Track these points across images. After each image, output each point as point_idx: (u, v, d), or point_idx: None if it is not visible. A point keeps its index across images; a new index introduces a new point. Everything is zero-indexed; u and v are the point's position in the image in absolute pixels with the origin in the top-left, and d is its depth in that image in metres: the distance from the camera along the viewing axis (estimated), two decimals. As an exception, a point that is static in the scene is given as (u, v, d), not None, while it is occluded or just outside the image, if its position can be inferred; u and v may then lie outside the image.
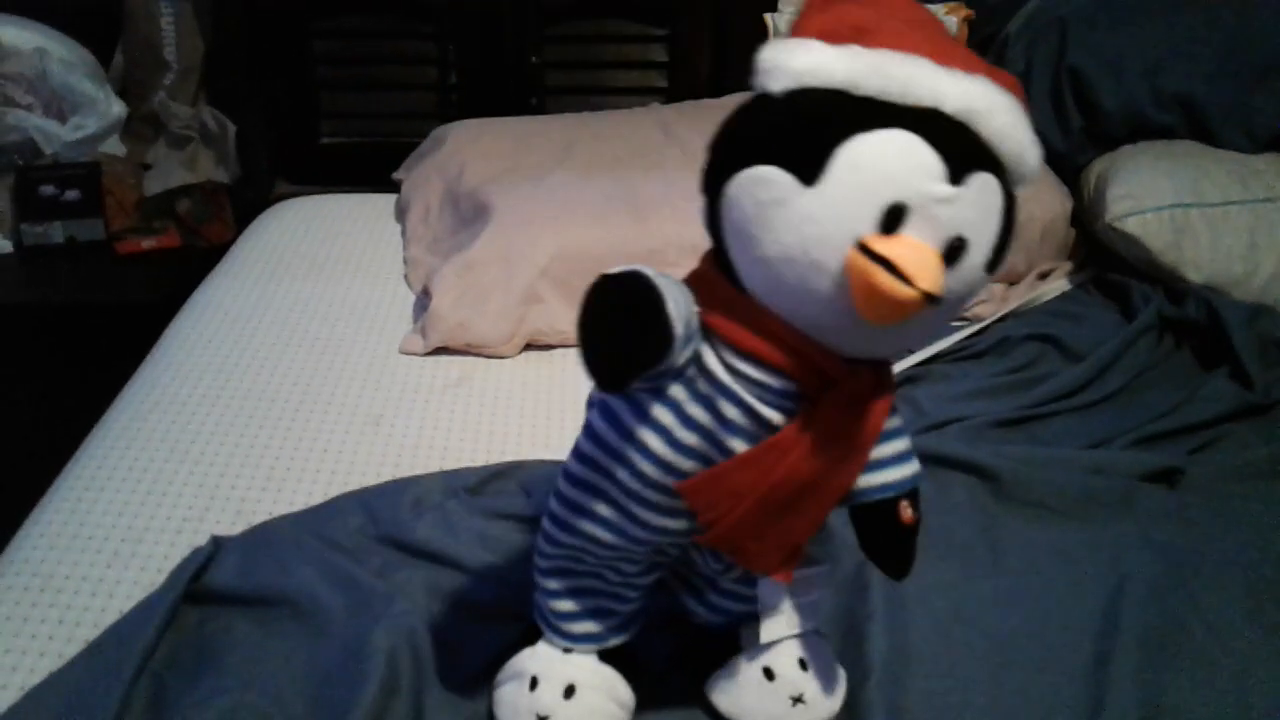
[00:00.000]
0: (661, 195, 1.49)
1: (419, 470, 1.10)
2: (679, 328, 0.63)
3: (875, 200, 0.58)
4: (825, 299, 0.61)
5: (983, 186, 0.61)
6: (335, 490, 1.07)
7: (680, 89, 2.04)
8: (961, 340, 1.37)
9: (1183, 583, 0.96)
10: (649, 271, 0.63)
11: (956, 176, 0.59)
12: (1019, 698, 0.85)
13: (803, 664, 0.81)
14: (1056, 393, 1.24)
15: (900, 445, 0.73)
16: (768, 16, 1.96)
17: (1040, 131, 1.81)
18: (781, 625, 0.80)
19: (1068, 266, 1.57)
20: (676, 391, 0.68)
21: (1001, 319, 1.44)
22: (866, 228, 0.59)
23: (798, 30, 0.64)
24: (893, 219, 0.59)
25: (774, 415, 0.67)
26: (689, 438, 0.69)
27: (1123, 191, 1.48)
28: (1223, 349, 1.31)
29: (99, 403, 1.24)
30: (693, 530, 0.73)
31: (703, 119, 1.77)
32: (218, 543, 0.97)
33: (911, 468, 0.73)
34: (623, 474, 0.71)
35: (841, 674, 0.84)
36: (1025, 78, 1.75)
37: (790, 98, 0.62)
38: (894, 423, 0.73)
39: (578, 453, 0.75)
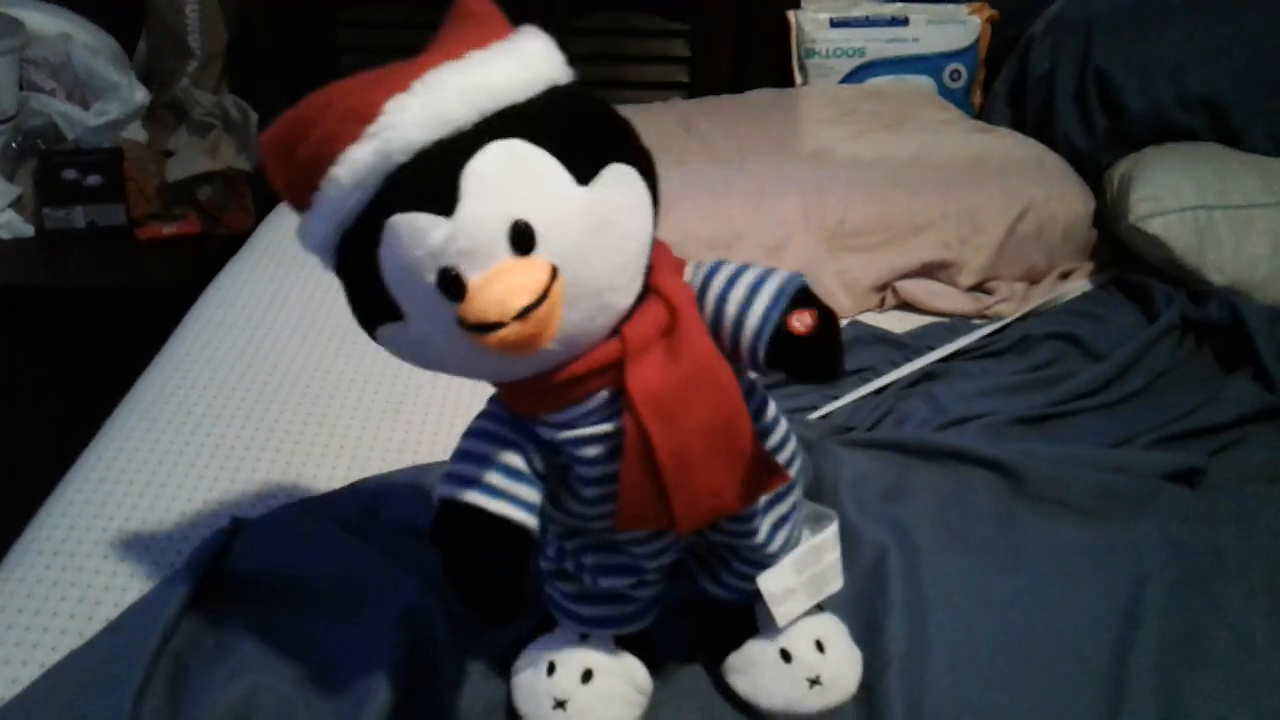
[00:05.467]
0: (682, 190, 1.48)
1: (438, 458, 1.10)
2: (528, 515, 0.67)
3: (420, 284, 0.59)
4: (500, 366, 0.64)
5: (488, 170, 0.58)
6: (355, 476, 1.07)
7: (701, 84, 2.04)
8: (982, 338, 1.37)
9: (1203, 583, 0.95)
10: (466, 495, 0.67)
11: (447, 207, 0.58)
12: (1037, 695, 0.85)
13: (819, 646, 0.81)
14: (1078, 391, 1.24)
15: (744, 285, 0.67)
16: (790, 13, 1.96)
17: (1065, 132, 1.81)
18: (793, 605, 0.80)
19: (1089, 267, 1.57)
20: (556, 465, 0.71)
21: (1022, 318, 1.44)
22: (443, 313, 0.59)
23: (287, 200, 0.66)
24: (449, 284, 0.58)
25: (616, 424, 0.66)
26: (591, 491, 0.71)
27: (1146, 193, 1.47)
28: (1245, 351, 1.30)
29: (119, 386, 1.24)
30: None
31: (723, 115, 1.77)
32: (238, 525, 0.97)
33: (772, 285, 0.67)
34: (598, 537, 0.75)
35: (858, 656, 0.83)
36: (1050, 78, 1.75)
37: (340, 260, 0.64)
38: (722, 277, 0.68)
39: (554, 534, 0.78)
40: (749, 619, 0.83)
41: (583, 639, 0.80)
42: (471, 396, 1.21)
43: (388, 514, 1.01)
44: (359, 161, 0.59)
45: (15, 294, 1.74)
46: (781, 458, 0.76)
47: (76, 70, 1.87)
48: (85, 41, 1.91)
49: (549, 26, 0.66)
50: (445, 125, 0.59)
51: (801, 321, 0.65)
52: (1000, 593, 0.94)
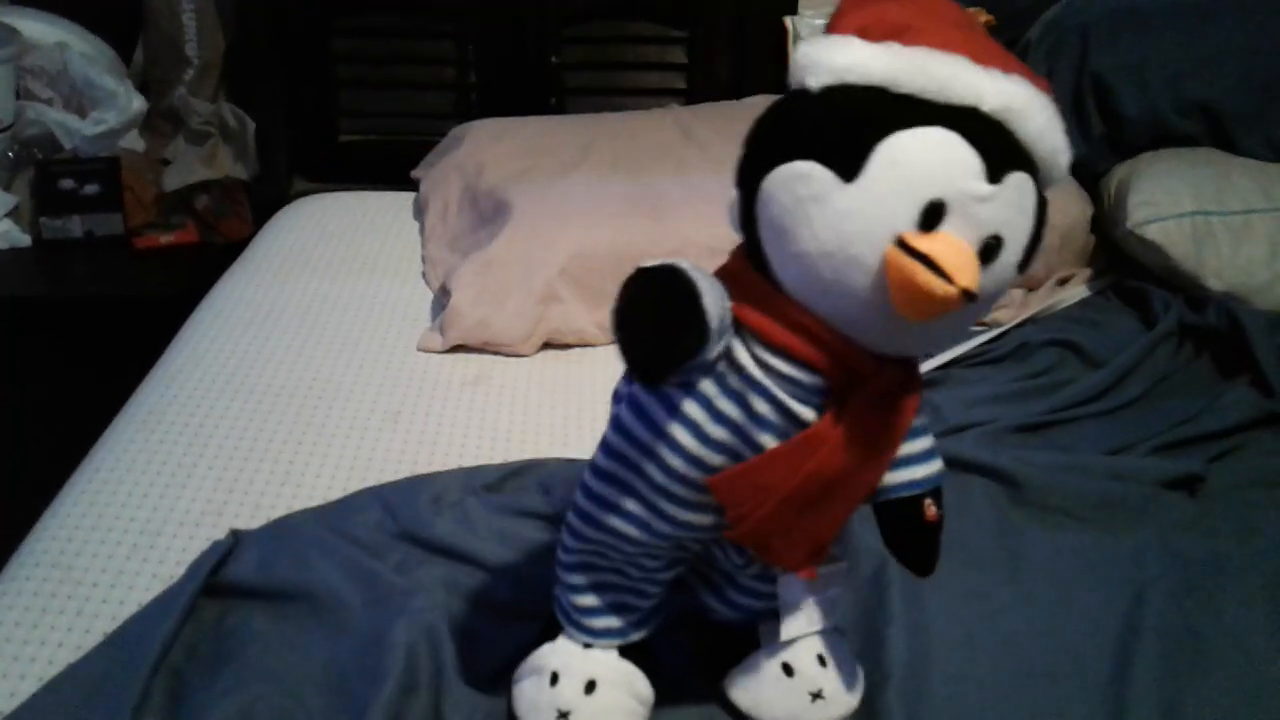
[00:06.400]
0: (680, 196, 1.48)
1: (437, 467, 1.10)
2: (715, 321, 0.63)
3: (915, 197, 0.59)
4: (862, 295, 0.61)
5: (1019, 186, 0.61)
6: (353, 486, 1.07)
7: (699, 91, 2.04)
8: (981, 345, 1.37)
9: (1203, 590, 0.96)
10: (684, 265, 0.64)
11: (994, 175, 0.59)
12: (1038, 705, 0.85)
13: (821, 660, 0.81)
14: (1076, 398, 1.24)
15: (924, 443, 0.73)
16: (787, 20, 1.96)
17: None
18: (801, 622, 0.80)
19: (1087, 273, 1.57)
20: (707, 387, 0.68)
21: (1021, 324, 1.43)
22: (905, 224, 0.59)
23: (835, 27, 0.65)
24: (932, 216, 0.59)
25: (804, 411, 0.67)
26: (719, 433, 0.68)
27: (1144, 198, 1.47)
28: (1243, 357, 1.31)
29: (116, 397, 1.24)
30: (720, 526, 0.73)
31: (722, 121, 1.77)
32: (237, 537, 0.97)
33: (935, 465, 0.73)
34: (651, 469, 0.71)
35: (860, 671, 0.83)
36: (1046, 83, 1.75)
37: (829, 94, 0.62)
38: (919, 420, 0.73)
39: (605, 447, 0.75)
40: (751, 633, 0.83)
41: (586, 648, 0.80)
42: (470, 407, 1.22)
43: (387, 523, 1.00)
44: (957, 76, 0.61)
45: (12, 304, 1.73)
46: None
47: (73, 79, 1.87)
48: (82, 50, 1.90)
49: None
50: (1011, 117, 0.62)
51: (930, 510, 0.73)
52: (1000, 602, 0.94)
